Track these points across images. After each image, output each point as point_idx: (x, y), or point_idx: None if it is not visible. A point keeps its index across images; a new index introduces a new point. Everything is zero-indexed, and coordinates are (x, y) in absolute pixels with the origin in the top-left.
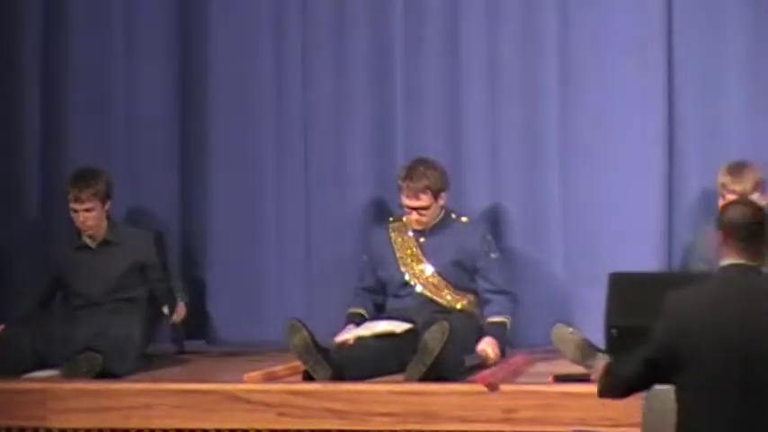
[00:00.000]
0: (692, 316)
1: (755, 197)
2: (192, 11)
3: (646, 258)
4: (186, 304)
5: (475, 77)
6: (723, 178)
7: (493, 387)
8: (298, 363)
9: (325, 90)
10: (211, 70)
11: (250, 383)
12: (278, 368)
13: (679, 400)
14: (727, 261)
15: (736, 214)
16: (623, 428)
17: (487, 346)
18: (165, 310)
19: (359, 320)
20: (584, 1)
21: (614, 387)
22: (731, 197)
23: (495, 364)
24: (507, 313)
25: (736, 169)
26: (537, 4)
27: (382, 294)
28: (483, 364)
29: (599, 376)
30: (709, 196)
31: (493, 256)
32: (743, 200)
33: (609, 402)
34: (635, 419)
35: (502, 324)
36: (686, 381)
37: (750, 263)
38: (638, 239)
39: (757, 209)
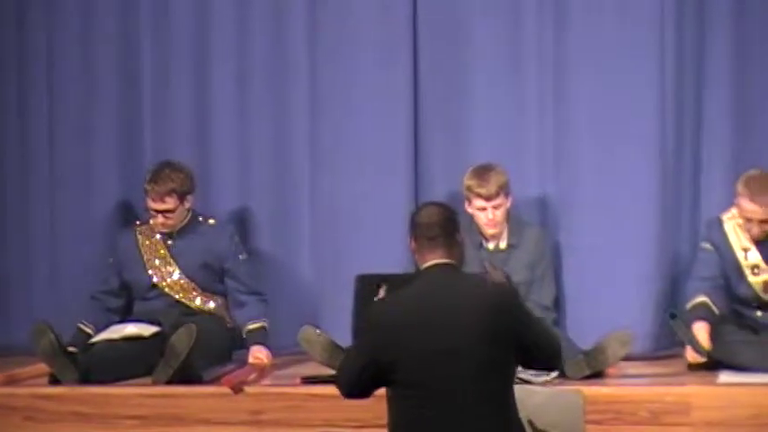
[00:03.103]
0: (392, 320)
1: (500, 200)
2: None
3: (392, 260)
4: None
5: (224, 79)
6: (469, 181)
7: (238, 389)
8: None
9: (71, 91)
10: None
11: None
12: (21, 370)
13: (390, 401)
14: (428, 263)
15: (423, 216)
16: (370, 429)
17: (259, 354)
18: None
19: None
20: (331, 6)
21: (345, 387)
22: (477, 200)
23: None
24: (263, 316)
25: (482, 172)
26: (286, 10)
27: (124, 297)
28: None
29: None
30: (454, 198)
31: (241, 257)
32: (433, 201)
33: (355, 404)
34: (381, 421)
35: (262, 329)
36: (396, 383)
37: (448, 260)
38: (384, 241)
39: (446, 209)
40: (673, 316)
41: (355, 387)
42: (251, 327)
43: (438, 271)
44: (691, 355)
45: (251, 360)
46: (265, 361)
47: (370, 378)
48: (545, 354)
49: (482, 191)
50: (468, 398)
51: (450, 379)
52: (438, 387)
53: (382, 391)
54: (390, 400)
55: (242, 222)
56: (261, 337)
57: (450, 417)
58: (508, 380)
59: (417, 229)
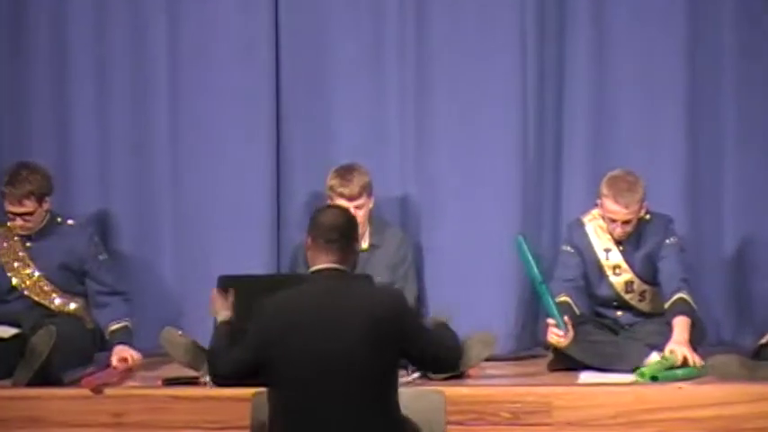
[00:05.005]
0: (281, 321)
1: (363, 200)
2: None
3: (254, 260)
4: None
5: (83, 77)
6: (331, 181)
7: (98, 390)
8: None
9: None
10: None
11: None
12: None
13: (271, 400)
14: (318, 266)
15: (325, 218)
16: (232, 431)
17: (124, 353)
18: None
19: None
20: (192, 3)
21: (219, 373)
22: (340, 200)
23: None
24: (126, 316)
25: (345, 173)
26: (146, 7)
27: None
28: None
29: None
30: (316, 198)
31: (101, 257)
32: (334, 205)
33: (218, 405)
34: (244, 422)
35: (126, 328)
36: (278, 382)
37: (339, 266)
38: (246, 241)
39: (347, 213)
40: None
41: (231, 377)
42: (114, 327)
43: (328, 275)
44: (551, 335)
45: (115, 360)
46: (130, 361)
47: (247, 373)
48: (440, 357)
49: (345, 191)
50: (351, 401)
51: (334, 382)
52: (320, 390)
53: (245, 392)
54: (271, 400)
55: (103, 223)
56: (125, 337)
57: (332, 420)
58: (393, 384)
59: (317, 230)
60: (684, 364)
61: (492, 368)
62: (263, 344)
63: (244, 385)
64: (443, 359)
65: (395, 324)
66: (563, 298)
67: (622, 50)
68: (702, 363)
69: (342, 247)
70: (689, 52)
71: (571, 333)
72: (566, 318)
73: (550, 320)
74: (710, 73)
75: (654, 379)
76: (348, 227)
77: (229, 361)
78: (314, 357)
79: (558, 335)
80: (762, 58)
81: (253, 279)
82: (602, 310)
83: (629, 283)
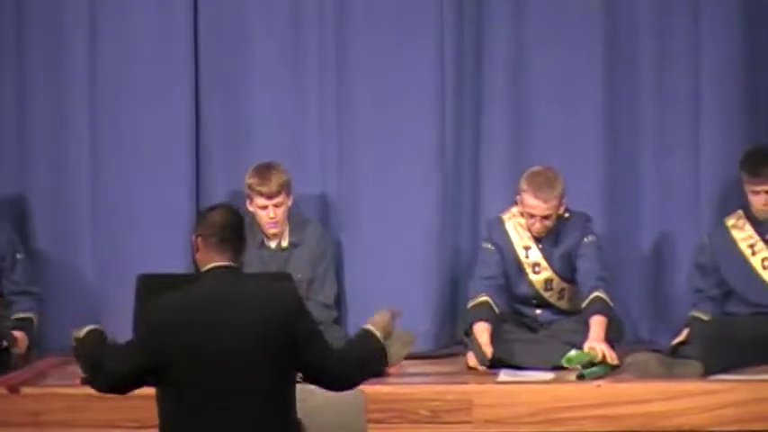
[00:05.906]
0: (173, 321)
1: (282, 198)
2: None
3: (174, 259)
4: None
5: (2, 74)
6: (250, 180)
7: (14, 389)
8: None
9: None
10: None
11: None
12: None
13: (163, 403)
14: (212, 264)
15: (218, 216)
16: (149, 430)
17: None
18: None
19: None
20: (112, 5)
21: (108, 382)
22: (259, 199)
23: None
24: (32, 311)
25: (263, 171)
26: (66, 5)
27: None
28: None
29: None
30: (236, 197)
31: (18, 256)
32: (224, 204)
33: (136, 404)
34: None
35: (28, 320)
36: (168, 383)
37: (231, 264)
38: (166, 240)
39: (236, 211)
40: (467, 334)
41: (118, 385)
42: (18, 316)
43: (222, 273)
44: (472, 361)
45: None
46: (20, 345)
47: (138, 378)
48: (330, 371)
49: (263, 189)
50: (246, 401)
51: (228, 381)
52: (216, 389)
53: None
54: (163, 401)
55: (20, 219)
56: (23, 324)
57: (226, 419)
58: (288, 382)
59: (209, 229)
60: (603, 360)
61: (411, 366)
62: (154, 348)
63: (130, 391)
64: (336, 375)
65: (285, 323)
66: (482, 298)
67: (541, 53)
68: (617, 362)
69: (235, 246)
70: (607, 54)
71: (490, 355)
72: (485, 345)
73: (472, 356)
74: (629, 74)
75: (581, 378)
76: (239, 225)
77: (113, 368)
78: (208, 357)
79: (477, 366)
80: (679, 63)
81: (172, 278)
82: (521, 308)
83: (548, 281)
